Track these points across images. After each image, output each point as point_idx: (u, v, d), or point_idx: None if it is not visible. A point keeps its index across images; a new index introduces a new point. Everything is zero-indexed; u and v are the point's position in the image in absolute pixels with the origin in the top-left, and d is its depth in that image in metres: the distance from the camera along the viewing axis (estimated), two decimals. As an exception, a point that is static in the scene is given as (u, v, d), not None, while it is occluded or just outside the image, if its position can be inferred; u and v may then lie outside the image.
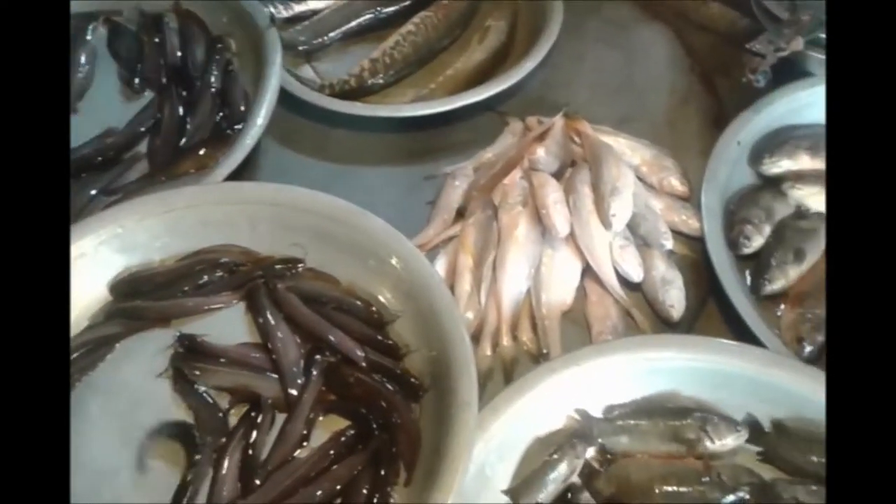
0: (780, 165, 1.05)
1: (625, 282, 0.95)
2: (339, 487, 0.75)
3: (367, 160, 1.13)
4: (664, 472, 0.78)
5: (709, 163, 1.02)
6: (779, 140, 1.07)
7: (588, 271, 0.95)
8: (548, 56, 1.21)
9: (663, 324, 0.92)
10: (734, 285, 0.91)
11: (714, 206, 0.99)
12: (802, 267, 0.95)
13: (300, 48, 1.23)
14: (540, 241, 0.94)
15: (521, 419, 0.80)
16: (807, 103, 1.09)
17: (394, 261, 0.88)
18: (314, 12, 1.28)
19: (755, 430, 0.81)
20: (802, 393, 0.79)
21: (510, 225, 0.94)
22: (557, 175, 1.01)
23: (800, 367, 0.82)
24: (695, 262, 0.97)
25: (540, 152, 1.01)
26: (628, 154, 1.05)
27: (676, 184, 1.03)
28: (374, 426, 0.79)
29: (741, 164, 1.06)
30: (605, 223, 0.93)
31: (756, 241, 0.97)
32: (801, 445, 0.79)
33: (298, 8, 1.28)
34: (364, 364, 0.83)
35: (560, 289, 0.92)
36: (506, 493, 0.77)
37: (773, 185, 1.04)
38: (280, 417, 0.81)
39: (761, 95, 1.08)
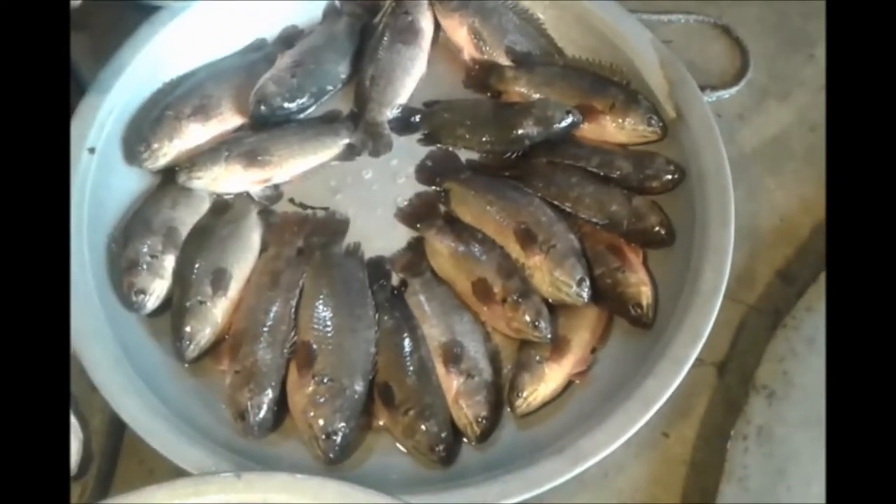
0: (165, 153, 0.74)
1: None
2: None
3: None
4: None
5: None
6: (153, 117, 0.75)
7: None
8: None
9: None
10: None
11: (83, 267, 0.66)
12: (229, 294, 0.68)
13: None
14: None
15: None
16: (182, 47, 0.78)
17: None
18: None
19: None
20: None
21: None
22: None
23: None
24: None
25: None
26: None
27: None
28: None
29: (117, 175, 0.74)
30: None
31: (157, 288, 0.68)
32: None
33: None
34: None
35: None
36: None
37: (172, 181, 0.74)
38: None
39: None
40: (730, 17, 0.91)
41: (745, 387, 0.68)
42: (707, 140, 0.73)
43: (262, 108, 0.76)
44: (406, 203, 0.76)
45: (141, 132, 0.75)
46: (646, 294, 0.68)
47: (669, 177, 0.74)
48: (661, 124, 0.76)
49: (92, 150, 0.72)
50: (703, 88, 0.80)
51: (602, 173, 0.75)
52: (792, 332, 0.69)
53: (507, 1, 0.85)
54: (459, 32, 0.84)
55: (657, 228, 0.72)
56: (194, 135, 0.76)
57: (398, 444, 0.65)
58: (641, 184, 0.74)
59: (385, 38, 0.83)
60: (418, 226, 0.75)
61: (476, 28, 0.83)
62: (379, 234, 0.75)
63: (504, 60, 0.82)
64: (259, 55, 0.82)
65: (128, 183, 0.75)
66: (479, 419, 0.64)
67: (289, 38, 0.84)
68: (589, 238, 0.72)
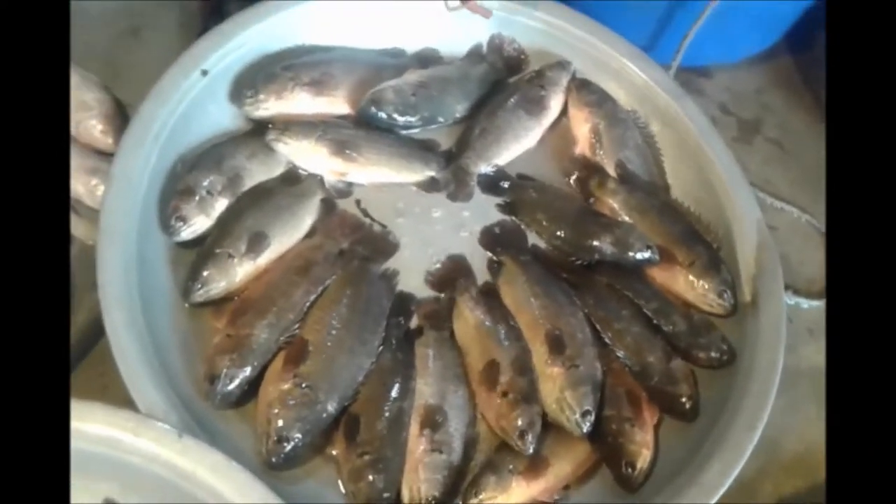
0: (267, 107, 0.75)
1: None
2: None
3: None
4: None
5: (144, 104, 0.69)
6: (270, 70, 0.76)
7: None
8: None
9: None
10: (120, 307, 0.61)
11: (144, 169, 0.67)
12: (259, 261, 0.68)
13: None
14: None
15: None
16: (330, 22, 0.80)
17: None
18: None
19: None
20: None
21: None
22: None
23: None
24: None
25: None
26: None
27: (96, 126, 0.72)
28: None
29: (215, 105, 0.75)
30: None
31: (197, 223, 0.68)
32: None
33: None
34: None
35: None
36: None
37: (259, 135, 0.75)
38: None
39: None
40: (841, 232, 0.89)
41: None
42: (771, 340, 0.70)
43: (373, 108, 0.76)
44: (458, 257, 0.76)
45: (254, 79, 0.75)
46: (644, 458, 0.65)
47: (718, 355, 0.71)
48: (732, 302, 0.73)
49: (205, 73, 0.73)
50: (786, 287, 0.78)
51: (655, 320, 0.72)
52: (768, 567, 0.65)
53: (639, 119, 0.86)
54: (582, 127, 0.83)
55: (684, 400, 0.68)
56: (300, 103, 0.76)
57: (340, 482, 0.62)
58: (689, 349, 0.71)
59: (511, 100, 0.83)
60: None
61: (599, 130, 0.82)
62: (420, 273, 0.73)
63: (611, 170, 0.81)
64: (392, 61, 0.83)
65: (221, 117, 0.76)
66: (429, 498, 0.60)
67: (426, 58, 0.85)
68: (613, 375, 0.69)
